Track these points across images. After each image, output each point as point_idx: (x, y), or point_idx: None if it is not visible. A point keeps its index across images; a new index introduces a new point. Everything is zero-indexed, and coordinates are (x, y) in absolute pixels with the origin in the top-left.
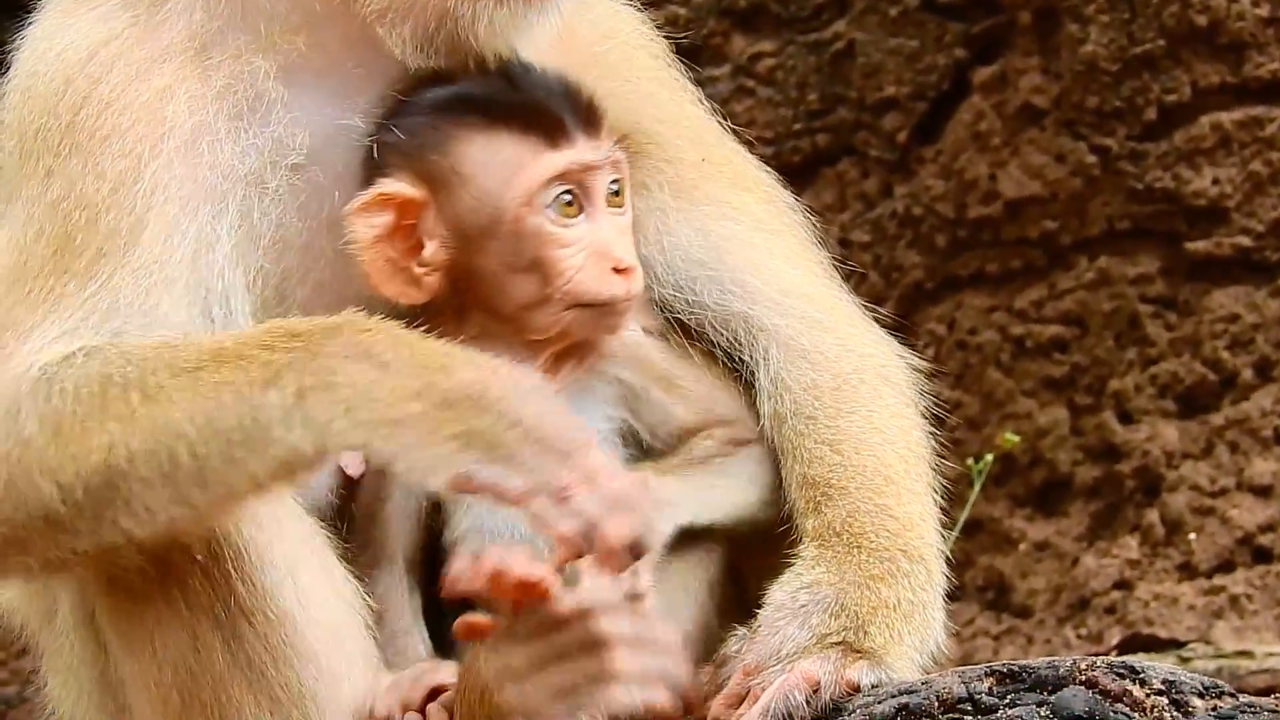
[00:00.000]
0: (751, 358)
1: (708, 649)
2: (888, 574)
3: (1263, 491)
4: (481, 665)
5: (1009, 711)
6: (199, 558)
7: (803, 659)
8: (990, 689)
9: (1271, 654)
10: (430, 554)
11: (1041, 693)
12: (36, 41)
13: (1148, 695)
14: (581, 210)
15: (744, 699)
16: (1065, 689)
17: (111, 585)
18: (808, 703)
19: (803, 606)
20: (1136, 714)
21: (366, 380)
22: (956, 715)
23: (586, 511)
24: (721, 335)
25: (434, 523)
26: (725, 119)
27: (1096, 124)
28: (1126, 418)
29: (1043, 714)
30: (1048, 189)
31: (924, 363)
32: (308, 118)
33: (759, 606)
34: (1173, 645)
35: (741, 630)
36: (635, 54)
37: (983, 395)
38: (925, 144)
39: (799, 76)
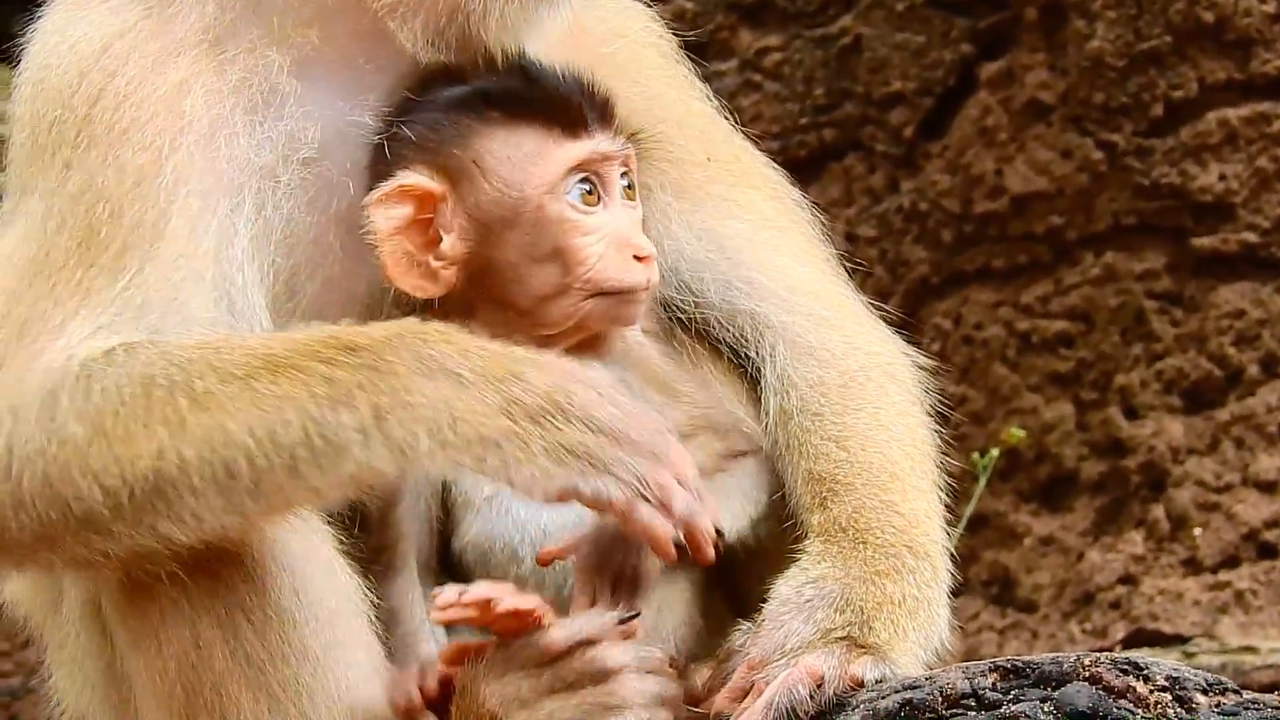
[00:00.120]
0: (758, 354)
1: (695, 653)
2: (893, 570)
3: (1268, 487)
4: (484, 691)
5: (1012, 707)
6: (202, 555)
7: (807, 653)
8: (994, 684)
9: (1276, 650)
10: (445, 555)
11: (1045, 688)
12: (47, 34)
13: (1151, 691)
14: (600, 200)
15: (748, 693)
16: (1069, 685)
17: (119, 581)
18: (811, 697)
19: (808, 601)
20: (1140, 710)
21: (444, 397)
22: (960, 711)
23: (683, 512)
24: (727, 332)
25: (444, 527)
26: (732, 114)
27: (1103, 120)
28: (1132, 413)
29: (1046, 710)
30: (1054, 185)
31: (929, 358)
32: (319, 112)
33: (752, 609)
34: (1177, 641)
35: (746, 624)
36: (643, 52)
37: (988, 390)
38: (932, 139)
39: (806, 71)
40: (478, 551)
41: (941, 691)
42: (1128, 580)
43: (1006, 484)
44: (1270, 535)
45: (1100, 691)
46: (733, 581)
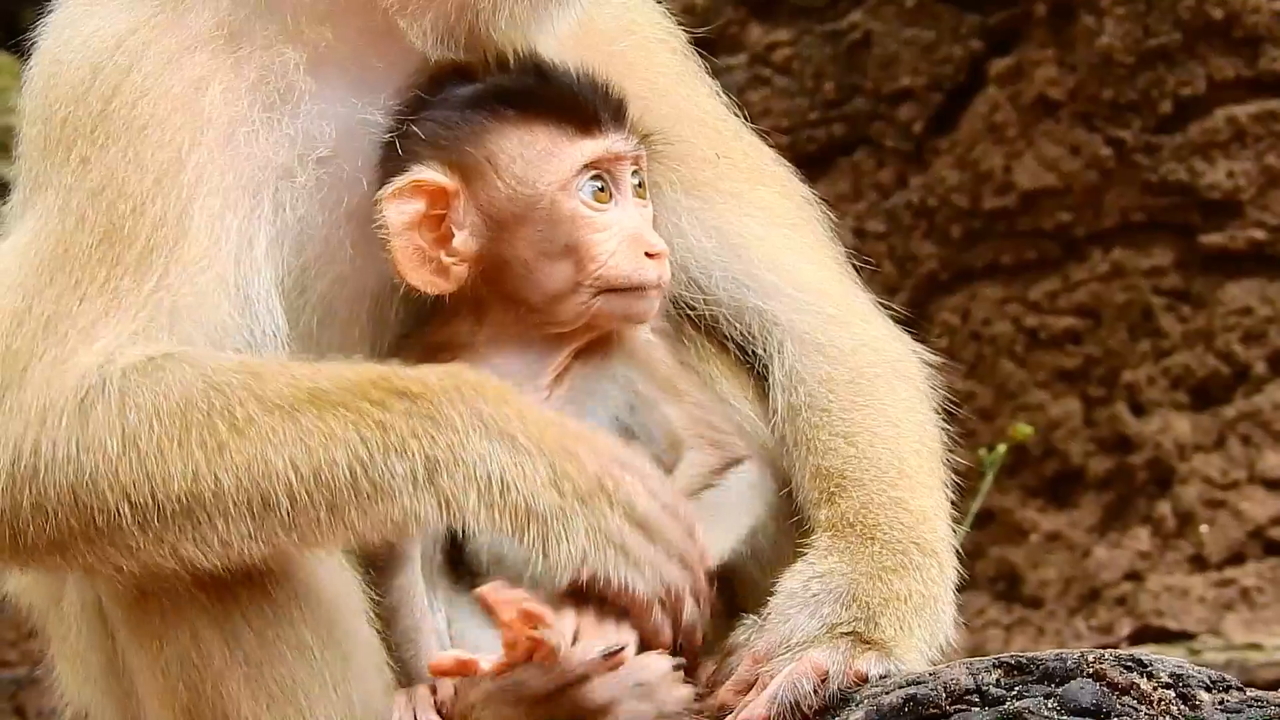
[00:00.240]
0: (766, 351)
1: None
2: (900, 566)
3: (1274, 484)
4: (485, 716)
5: (1016, 703)
6: None
7: (812, 648)
8: (998, 680)
9: None
10: (454, 555)
11: (1049, 684)
12: (60, 29)
13: (1155, 688)
14: (612, 198)
15: (752, 686)
16: (1072, 681)
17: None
18: (815, 692)
19: (814, 596)
20: (1143, 707)
21: (498, 460)
22: (964, 706)
23: (689, 625)
24: (735, 329)
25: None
26: (741, 108)
27: (1112, 116)
28: (1139, 410)
29: (1050, 706)
30: (1062, 181)
31: (937, 354)
32: (333, 110)
33: (755, 605)
34: (1183, 637)
35: (752, 618)
36: (653, 49)
37: (996, 386)
38: (940, 135)
39: (815, 66)
40: (493, 553)
41: (945, 687)
42: (1134, 577)
43: (1013, 480)
44: (1276, 532)
45: (1104, 688)
46: (735, 581)
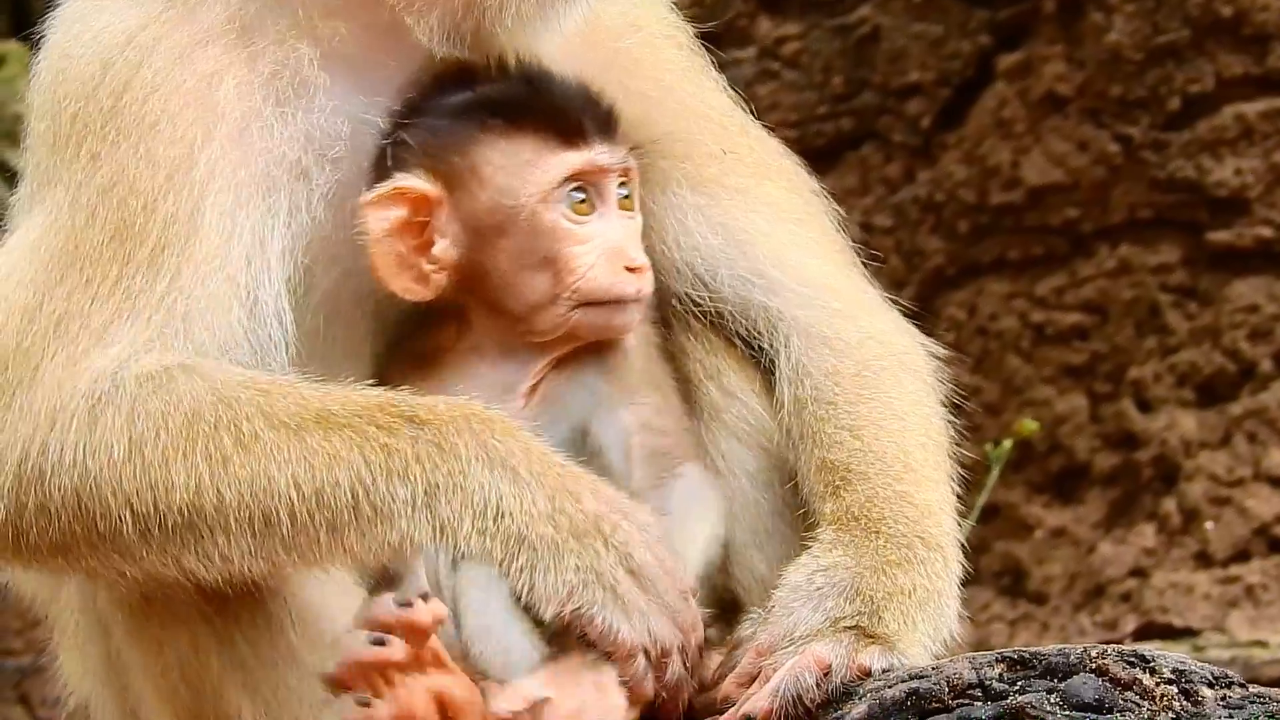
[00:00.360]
0: (772, 346)
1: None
2: (904, 560)
3: (1279, 482)
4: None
5: (1019, 698)
6: None
7: (815, 642)
8: (1001, 675)
9: None
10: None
11: (1051, 680)
12: (69, 23)
13: (1157, 684)
14: (595, 210)
15: (755, 679)
16: (1075, 676)
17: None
18: (818, 685)
19: (818, 589)
20: (1146, 703)
21: (497, 489)
22: (966, 701)
23: (671, 682)
24: (741, 325)
25: None
26: (749, 102)
27: (1120, 113)
28: (1145, 406)
29: (1052, 701)
30: (1070, 177)
31: (944, 349)
32: (344, 106)
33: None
34: (1187, 634)
35: (757, 612)
36: (659, 45)
37: (1002, 381)
38: (948, 130)
39: (824, 60)
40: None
41: (948, 681)
42: (1138, 573)
43: (1019, 475)
44: None
45: (1106, 683)
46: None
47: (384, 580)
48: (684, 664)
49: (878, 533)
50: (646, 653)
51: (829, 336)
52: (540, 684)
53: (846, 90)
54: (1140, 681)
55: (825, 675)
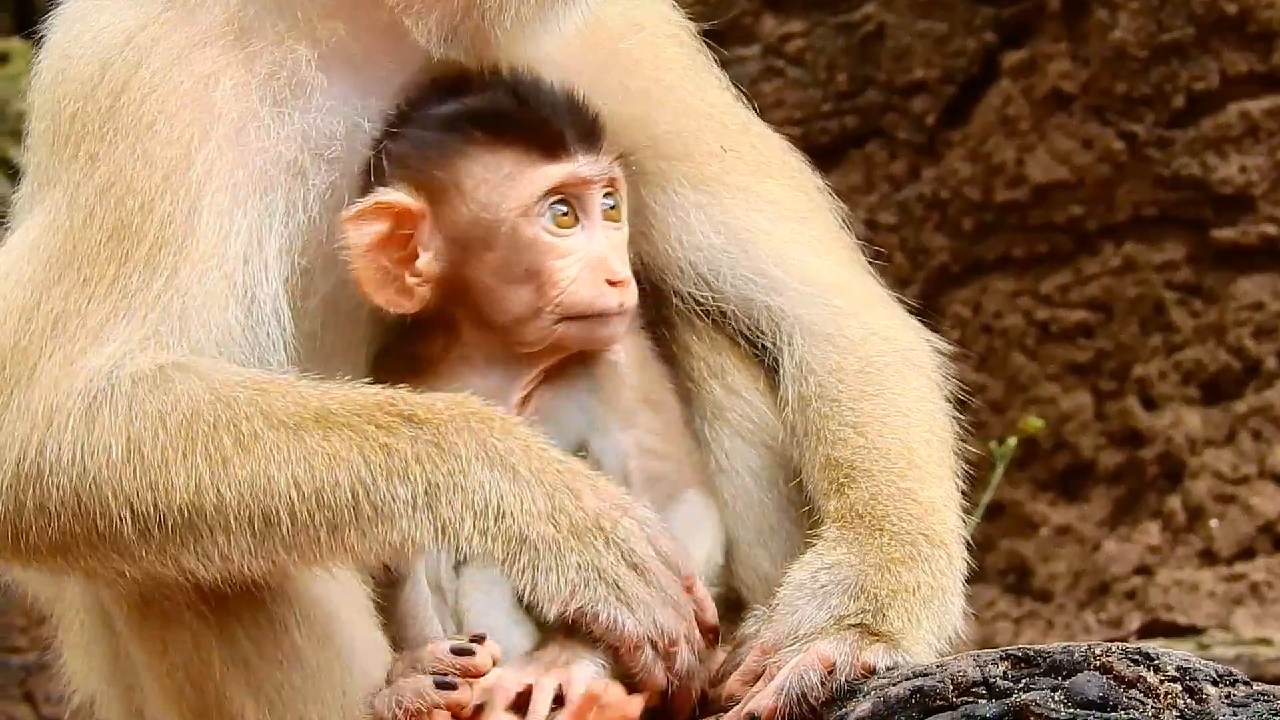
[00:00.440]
0: (775, 344)
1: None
2: (909, 558)
3: None
4: None
5: (1023, 696)
6: None
7: (819, 640)
8: (1005, 673)
9: None
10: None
11: (1056, 677)
12: (69, 24)
13: (1162, 682)
14: (577, 222)
15: (760, 676)
16: (1079, 674)
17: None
18: (822, 683)
19: (822, 587)
20: (1150, 700)
21: (497, 488)
22: (971, 699)
23: (682, 671)
24: (744, 323)
25: None
26: (754, 100)
27: (1124, 110)
28: (1150, 404)
29: (1057, 699)
30: (1075, 174)
31: (948, 346)
32: (341, 108)
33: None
34: (1192, 632)
35: (761, 609)
36: (661, 44)
37: (1007, 379)
38: (953, 127)
39: (828, 58)
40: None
41: (952, 679)
42: (1143, 571)
43: (1024, 473)
44: None
45: (1111, 681)
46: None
47: (388, 581)
48: (693, 652)
49: (882, 530)
50: (654, 644)
51: (832, 333)
52: (516, 676)
53: (851, 88)
54: (1145, 679)
55: (830, 673)
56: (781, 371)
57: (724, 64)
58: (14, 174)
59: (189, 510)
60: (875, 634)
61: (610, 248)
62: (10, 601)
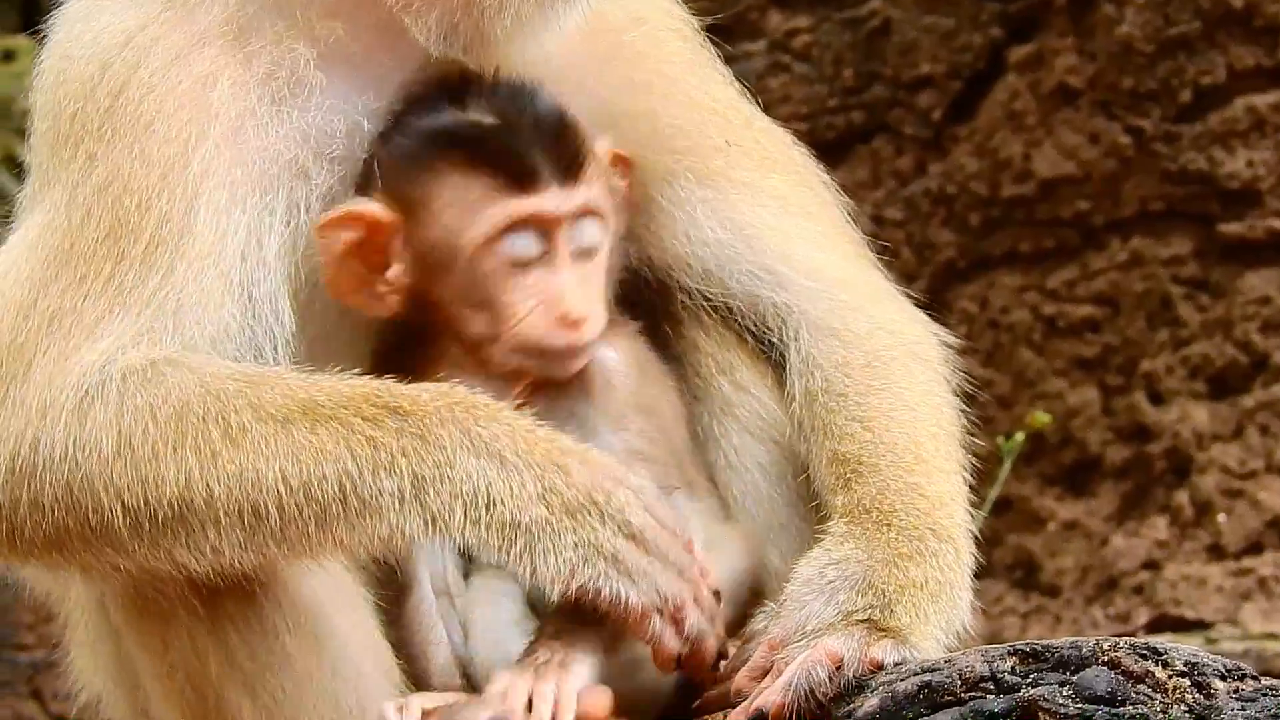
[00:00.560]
0: (782, 340)
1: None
2: (916, 553)
3: None
4: None
5: (1031, 691)
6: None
7: (827, 635)
8: (1013, 668)
9: None
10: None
11: (1064, 672)
12: (70, 24)
13: (1170, 677)
14: (542, 256)
15: (768, 672)
16: (1088, 669)
17: (122, 585)
18: (830, 679)
19: (830, 583)
20: (1158, 695)
21: (485, 476)
22: (979, 694)
23: (693, 632)
24: (751, 319)
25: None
26: (759, 95)
27: (1131, 105)
28: (1157, 399)
29: (1065, 694)
30: (1081, 169)
31: (956, 340)
32: (341, 107)
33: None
34: (1200, 626)
35: (770, 606)
36: (664, 38)
37: (1014, 374)
38: (960, 122)
39: (834, 53)
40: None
41: (960, 674)
42: (1151, 566)
43: (1031, 468)
44: None
45: (1119, 676)
46: None
47: (393, 588)
48: (702, 613)
49: (889, 525)
50: (660, 611)
51: (838, 328)
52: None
53: (857, 83)
54: (1153, 674)
55: (837, 669)
56: (788, 367)
57: (730, 59)
58: (20, 172)
59: (179, 504)
60: (883, 629)
61: (573, 284)
62: (18, 599)
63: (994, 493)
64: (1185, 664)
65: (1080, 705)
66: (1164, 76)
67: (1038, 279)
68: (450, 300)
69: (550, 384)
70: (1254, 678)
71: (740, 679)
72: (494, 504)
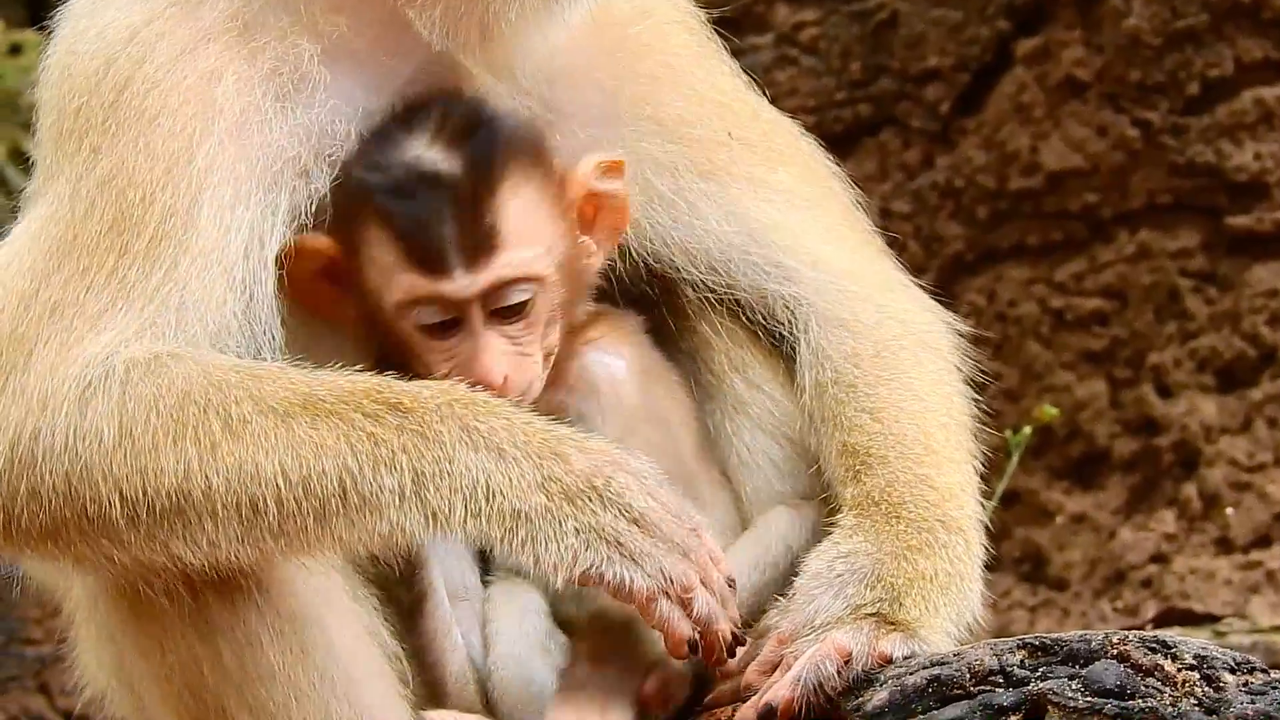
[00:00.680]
0: (793, 333)
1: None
2: (925, 545)
3: None
4: None
5: (1040, 684)
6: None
7: (836, 629)
8: (1022, 661)
9: None
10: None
11: (1073, 666)
12: (76, 19)
13: (1179, 670)
14: (458, 323)
15: (777, 667)
16: (1097, 662)
17: (117, 586)
18: (839, 673)
19: (839, 576)
20: (1168, 688)
21: (484, 469)
22: (988, 687)
23: (702, 614)
24: (760, 313)
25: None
26: (766, 88)
27: (1139, 98)
28: (1165, 391)
29: (1074, 687)
30: (1089, 162)
31: (966, 329)
32: (345, 105)
33: None
34: (1208, 620)
35: (780, 600)
36: (670, 31)
37: (1022, 367)
38: (967, 115)
39: (842, 46)
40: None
41: (969, 668)
42: (1159, 559)
43: (1039, 461)
44: None
45: (1128, 669)
46: None
47: (407, 597)
48: (713, 595)
49: (898, 517)
50: (667, 594)
51: (846, 319)
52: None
53: (865, 76)
54: (1162, 668)
55: (846, 663)
56: (798, 359)
57: (737, 52)
58: (26, 166)
59: (177, 495)
60: (892, 623)
61: (490, 348)
62: (25, 594)
63: (1001, 486)
64: (1195, 657)
65: (1090, 699)
66: (1172, 69)
67: (1045, 272)
68: (389, 336)
69: (560, 389)
70: (1264, 670)
71: (750, 674)
72: (494, 495)
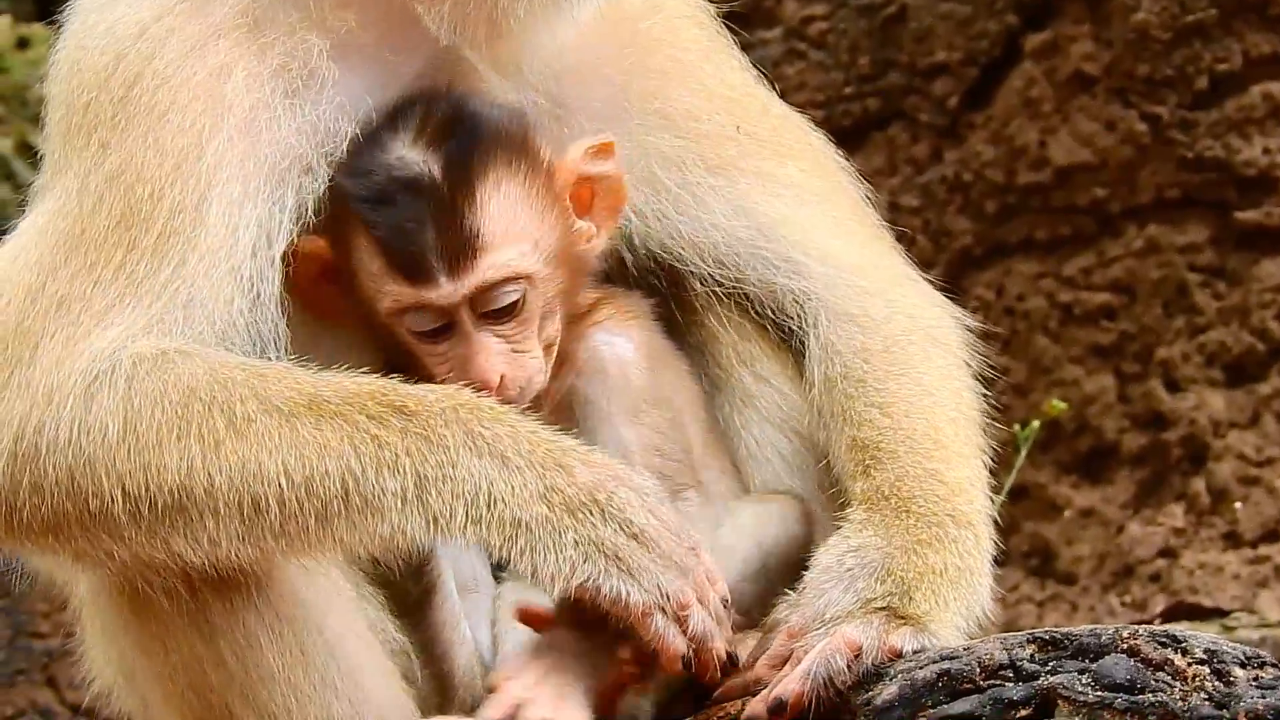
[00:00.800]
0: (801, 328)
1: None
2: (935, 539)
3: None
4: None
5: (1050, 678)
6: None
7: (846, 623)
8: (1032, 656)
9: None
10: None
11: (1083, 660)
12: (85, 14)
13: (1189, 664)
14: (449, 327)
15: (787, 661)
16: (1107, 657)
17: (118, 585)
18: (849, 667)
19: (849, 570)
20: (1178, 683)
21: (487, 476)
22: (998, 681)
23: (698, 632)
24: (769, 308)
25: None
26: (775, 83)
27: (1147, 92)
28: (1174, 386)
29: (1084, 681)
30: (1098, 156)
31: (975, 323)
32: (351, 101)
33: None
34: (1217, 614)
35: (792, 595)
36: (680, 26)
37: (1030, 362)
38: (976, 110)
39: (850, 40)
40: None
41: (979, 662)
42: (1168, 553)
43: (1047, 456)
44: None
45: (1138, 664)
46: None
47: (416, 591)
48: (709, 613)
49: (908, 511)
50: (663, 610)
51: (856, 314)
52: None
53: (873, 70)
54: (1172, 662)
55: (856, 657)
56: (808, 354)
57: (746, 47)
58: (35, 160)
59: (179, 492)
60: (902, 617)
61: (484, 350)
62: (33, 588)
63: (1010, 480)
64: (1205, 652)
65: (1100, 693)
66: (1180, 63)
67: (1054, 266)
68: (386, 338)
69: (568, 374)
70: (1274, 665)
71: (760, 667)
72: (495, 503)
